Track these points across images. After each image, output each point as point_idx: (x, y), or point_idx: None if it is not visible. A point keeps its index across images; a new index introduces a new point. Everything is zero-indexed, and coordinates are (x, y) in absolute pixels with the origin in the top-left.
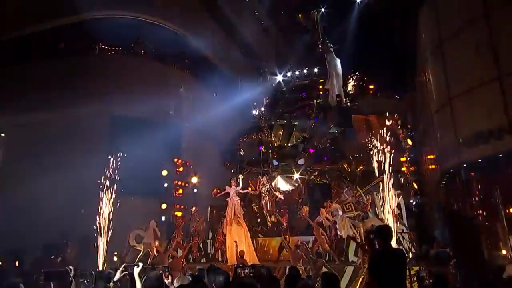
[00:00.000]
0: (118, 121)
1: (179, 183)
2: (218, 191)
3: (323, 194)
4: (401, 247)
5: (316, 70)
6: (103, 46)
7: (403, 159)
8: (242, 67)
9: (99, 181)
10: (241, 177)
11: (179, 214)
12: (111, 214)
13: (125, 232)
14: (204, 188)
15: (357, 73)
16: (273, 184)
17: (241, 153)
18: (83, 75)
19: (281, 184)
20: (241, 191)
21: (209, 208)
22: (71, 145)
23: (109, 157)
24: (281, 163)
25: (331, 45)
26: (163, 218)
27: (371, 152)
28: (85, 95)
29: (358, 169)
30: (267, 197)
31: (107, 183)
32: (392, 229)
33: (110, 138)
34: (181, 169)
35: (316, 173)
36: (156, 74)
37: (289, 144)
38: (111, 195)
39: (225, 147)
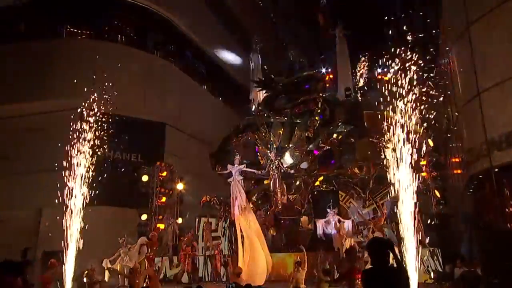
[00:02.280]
0: (90, 117)
1: (162, 190)
2: (208, 199)
3: (330, 203)
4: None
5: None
6: (71, 29)
7: (423, 162)
8: (237, 55)
9: (67, 187)
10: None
11: (162, 226)
12: (81, 226)
13: (97, 247)
14: (191, 196)
15: (366, 55)
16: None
17: (234, 155)
18: (48, 63)
19: (289, 160)
20: (246, 169)
21: (197, 219)
22: (32, 146)
23: (80, 160)
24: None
25: (343, 30)
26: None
27: (385, 154)
28: (50, 87)
29: (370, 174)
30: (276, 175)
31: (77, 189)
32: (392, 241)
33: (80, 139)
34: (164, 173)
35: (321, 178)
36: (135, 63)
37: (290, 145)
38: (82, 204)
39: (216, 148)
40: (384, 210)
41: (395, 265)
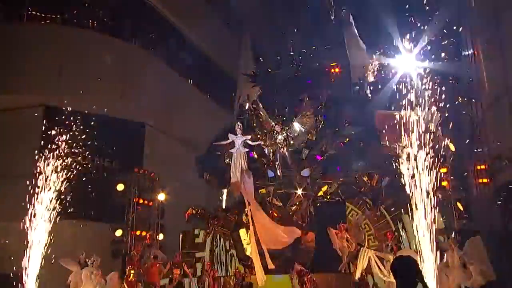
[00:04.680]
0: (56, 115)
1: (141, 201)
2: (194, 212)
3: (335, 216)
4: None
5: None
6: (34, 13)
7: (443, 170)
8: (229, 46)
9: (27, 199)
10: (225, 191)
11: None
12: (44, 244)
13: (61, 271)
14: (174, 208)
15: (380, 50)
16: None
17: (225, 160)
18: (4, 52)
19: (298, 128)
20: (250, 142)
21: (181, 236)
22: None
23: (43, 166)
24: (279, 174)
25: (351, 15)
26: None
27: (400, 160)
28: (6, 80)
29: (382, 183)
30: (284, 149)
31: (39, 201)
32: (418, 262)
33: (44, 139)
34: (143, 182)
35: (325, 188)
36: (110, 53)
37: (290, 149)
38: (48, 219)
39: (203, 153)
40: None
41: None
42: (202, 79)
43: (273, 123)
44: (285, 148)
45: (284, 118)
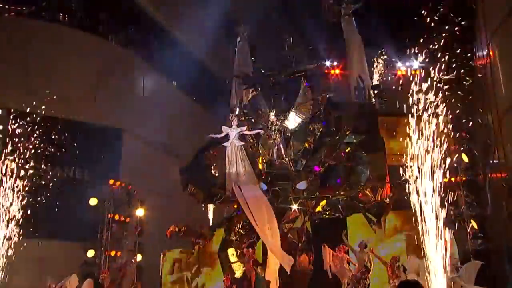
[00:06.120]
0: (19, 119)
1: (116, 217)
2: (177, 229)
3: (335, 234)
4: None
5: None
6: None
7: (455, 183)
8: (218, 45)
9: None
10: (211, 207)
11: None
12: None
13: None
14: (155, 224)
15: (384, 50)
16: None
17: (212, 171)
18: None
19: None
20: (246, 132)
21: (161, 256)
22: None
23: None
24: (272, 188)
25: (353, 6)
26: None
27: (406, 172)
28: None
29: (386, 198)
30: (278, 138)
31: None
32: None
33: (4, 146)
34: (119, 196)
35: (324, 202)
36: (84, 50)
37: (284, 159)
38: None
39: (187, 163)
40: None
41: None
42: (189, 81)
43: (271, 114)
44: (282, 149)
45: (277, 124)
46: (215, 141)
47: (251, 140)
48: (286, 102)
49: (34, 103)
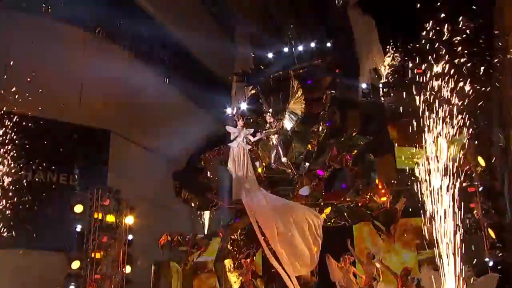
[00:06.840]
0: None
1: (103, 225)
2: (169, 238)
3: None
4: None
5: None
6: None
7: (471, 189)
8: (215, 38)
9: None
10: (207, 214)
11: None
12: None
13: None
14: (145, 233)
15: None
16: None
17: (208, 176)
18: None
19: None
20: (251, 137)
21: (153, 267)
22: None
23: None
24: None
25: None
26: None
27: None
28: None
29: (396, 205)
30: (276, 140)
31: None
32: None
33: None
34: (107, 202)
35: (328, 209)
36: (66, 43)
37: (282, 163)
38: None
39: (180, 167)
40: None
41: None
42: (183, 79)
43: (268, 114)
44: (281, 152)
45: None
46: (210, 143)
47: (250, 142)
48: (284, 101)
49: (9, 101)
